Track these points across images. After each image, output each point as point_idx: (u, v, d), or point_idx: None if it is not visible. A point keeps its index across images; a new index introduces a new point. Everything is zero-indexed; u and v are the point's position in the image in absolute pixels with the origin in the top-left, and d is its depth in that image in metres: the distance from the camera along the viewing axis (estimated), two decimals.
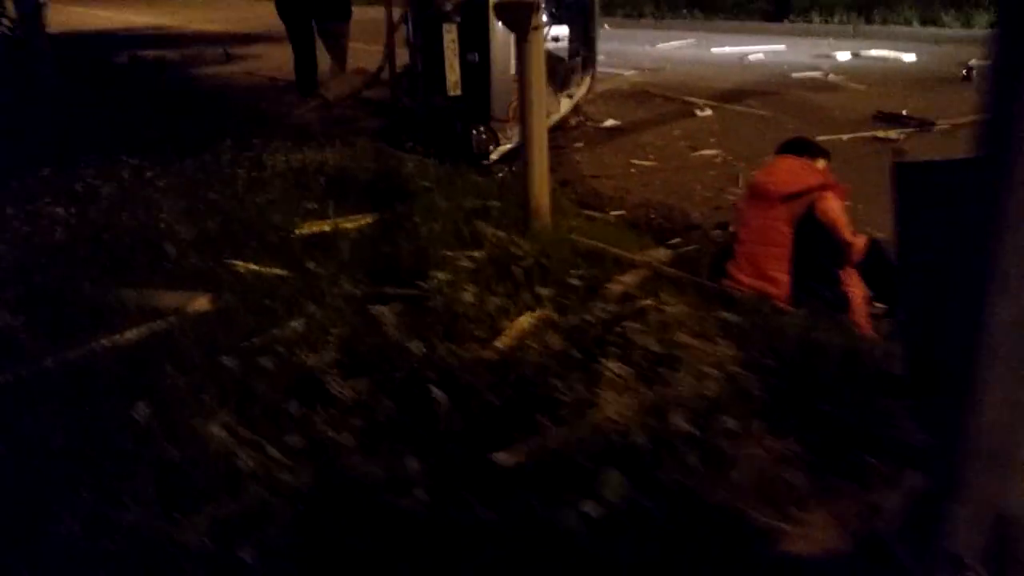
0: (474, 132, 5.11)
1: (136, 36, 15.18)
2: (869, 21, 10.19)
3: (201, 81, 9.33)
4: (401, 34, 6.33)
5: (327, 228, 3.09)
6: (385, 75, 6.64)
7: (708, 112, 6.38)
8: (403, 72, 6.40)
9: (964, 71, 6.98)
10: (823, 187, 2.59)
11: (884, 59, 8.36)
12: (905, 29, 9.74)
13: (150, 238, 2.94)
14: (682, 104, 6.79)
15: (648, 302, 2.30)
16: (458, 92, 4.96)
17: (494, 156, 5.22)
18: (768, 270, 2.53)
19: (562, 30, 5.68)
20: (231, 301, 2.41)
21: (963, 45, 8.75)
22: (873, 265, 2.54)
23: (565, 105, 5.88)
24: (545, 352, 2.01)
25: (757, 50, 9.37)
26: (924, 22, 9.73)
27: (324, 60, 7.35)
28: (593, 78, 6.28)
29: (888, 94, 6.63)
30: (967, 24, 9.32)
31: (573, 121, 6.25)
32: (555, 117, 5.78)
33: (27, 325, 2.33)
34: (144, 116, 6.30)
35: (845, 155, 5.00)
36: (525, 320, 2.23)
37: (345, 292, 2.40)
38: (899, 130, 5.36)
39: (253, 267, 2.64)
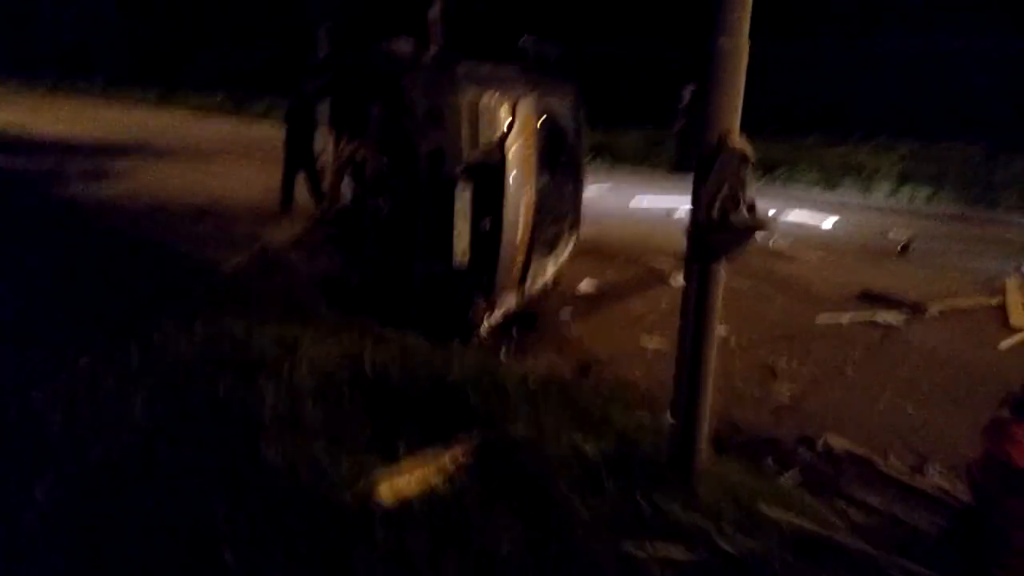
0: (475, 304, 4.47)
1: None
2: (770, 182, 10.82)
3: (82, 208, 7.97)
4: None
5: (411, 485, 2.26)
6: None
7: (682, 281, 6.12)
8: (356, 221, 5.73)
9: (900, 247, 7.32)
10: None
11: (805, 225, 8.72)
12: (805, 193, 10.39)
13: (186, 527, 1.94)
14: (646, 268, 6.54)
15: None
16: (465, 260, 4.32)
17: (485, 330, 4.58)
18: None
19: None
20: None
21: (868, 213, 9.39)
22: None
23: (551, 270, 5.39)
24: None
25: (679, 205, 9.53)
26: (824, 187, 10.46)
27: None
28: (577, 238, 5.88)
29: (844, 266, 6.75)
30: (863, 190, 10.10)
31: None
32: (542, 282, 5.27)
33: None
34: (36, 265, 5.07)
35: (860, 342, 4.83)
36: None
37: None
38: (896, 314, 5.31)
39: None
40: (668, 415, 3.52)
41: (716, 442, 3.36)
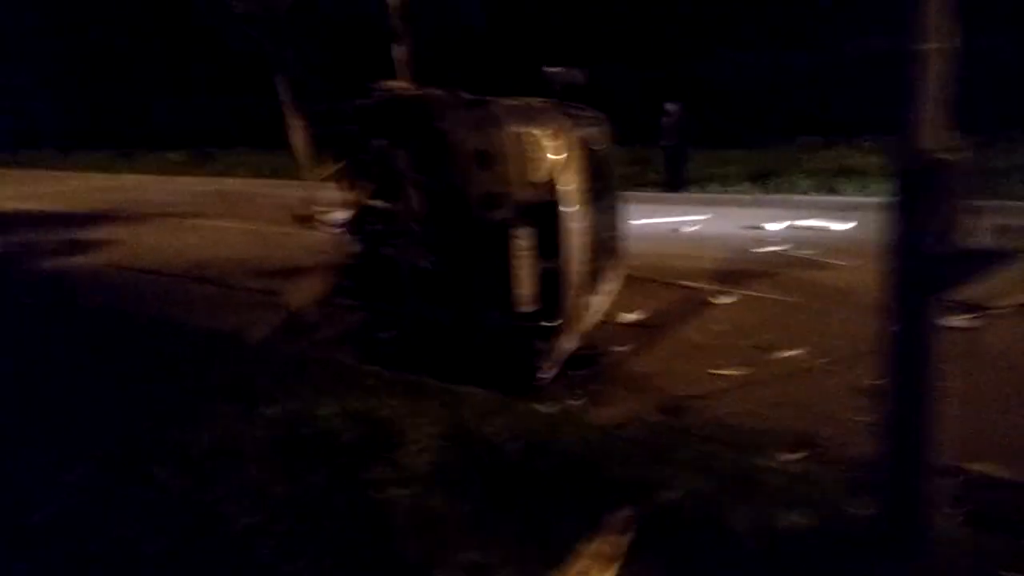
0: (540, 351, 4.16)
1: None
2: (766, 191, 10.74)
3: (69, 283, 7.48)
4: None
5: None
6: None
7: (728, 300, 5.88)
8: (375, 271, 5.41)
9: None
10: None
11: (816, 228, 8.58)
12: (805, 198, 10.31)
13: None
14: (683, 289, 6.29)
15: None
16: (531, 307, 4.00)
17: (546, 376, 4.27)
18: None
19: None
20: None
21: (876, 213, 9.28)
22: None
23: (601, 304, 5.09)
24: None
25: (684, 221, 9.35)
26: (821, 191, 10.40)
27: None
28: (622, 268, 5.60)
29: (879, 271, 6.57)
30: (864, 191, 10.05)
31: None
32: (594, 318, 4.98)
33: None
34: (40, 352, 4.62)
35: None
36: None
37: None
38: (961, 316, 5.12)
39: None
40: (795, 452, 3.25)
41: (850, 481, 3.09)
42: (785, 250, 7.59)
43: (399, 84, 6.02)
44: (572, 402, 4.07)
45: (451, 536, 2.14)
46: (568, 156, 4.05)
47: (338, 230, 10.18)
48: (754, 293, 6.04)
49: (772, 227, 8.79)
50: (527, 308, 3.97)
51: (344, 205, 6.22)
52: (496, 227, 3.86)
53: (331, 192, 11.91)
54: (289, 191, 15.26)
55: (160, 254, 8.91)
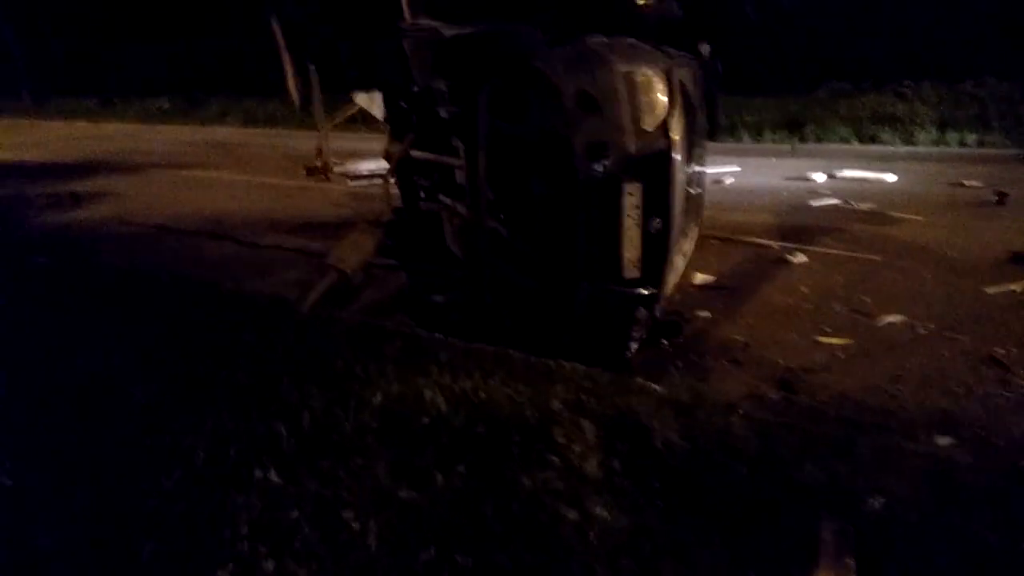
0: (638, 320, 3.74)
1: None
2: (803, 140, 10.26)
3: (73, 240, 6.95)
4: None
5: None
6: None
7: (803, 259, 5.48)
8: (423, 229, 4.96)
9: (996, 196, 6.82)
10: None
11: (866, 180, 8.16)
12: (844, 147, 9.85)
13: None
14: (750, 247, 5.87)
15: None
16: (636, 272, 3.57)
17: (636, 346, 3.87)
18: None
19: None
20: None
21: (925, 163, 8.89)
22: None
23: (682, 266, 4.68)
24: None
25: (724, 172, 8.89)
26: (860, 141, 9.94)
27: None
28: (700, 226, 5.16)
29: (957, 225, 6.19)
30: (909, 141, 9.61)
31: None
32: (675, 282, 4.57)
33: None
34: (60, 321, 4.16)
35: None
36: None
37: None
38: None
39: None
40: (948, 435, 2.89)
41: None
42: (843, 203, 7.17)
43: (434, 23, 5.44)
44: (677, 377, 3.70)
45: (660, 569, 1.75)
46: (677, 101, 3.58)
47: (359, 183, 9.61)
48: (830, 251, 5.64)
49: (819, 178, 8.35)
50: (633, 274, 3.54)
51: (383, 156, 5.70)
52: (603, 181, 3.39)
53: (341, 141, 11.29)
54: (289, 140, 14.58)
55: (167, 208, 8.34)
